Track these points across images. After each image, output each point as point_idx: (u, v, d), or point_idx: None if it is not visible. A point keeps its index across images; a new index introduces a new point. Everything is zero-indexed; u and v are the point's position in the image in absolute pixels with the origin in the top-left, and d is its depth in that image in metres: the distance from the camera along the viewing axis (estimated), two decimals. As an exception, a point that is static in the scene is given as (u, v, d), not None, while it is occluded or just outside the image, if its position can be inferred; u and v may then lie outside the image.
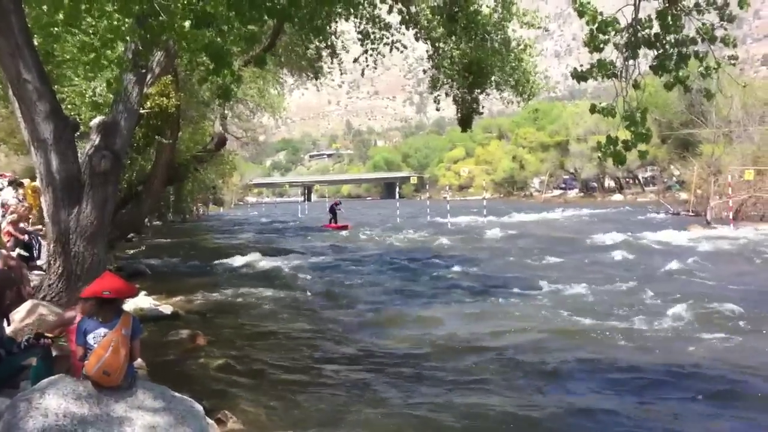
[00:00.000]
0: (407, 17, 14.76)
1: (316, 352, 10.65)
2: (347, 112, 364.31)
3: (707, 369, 9.16)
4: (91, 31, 9.74)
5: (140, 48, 8.60)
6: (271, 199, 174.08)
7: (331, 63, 18.27)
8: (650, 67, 6.41)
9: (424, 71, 16.69)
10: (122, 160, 10.18)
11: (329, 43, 16.35)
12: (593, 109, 6.63)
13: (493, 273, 19.24)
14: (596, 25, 6.24)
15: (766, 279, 16.68)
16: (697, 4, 6.25)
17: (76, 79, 13.43)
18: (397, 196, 65.64)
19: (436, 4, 14.52)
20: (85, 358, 5.07)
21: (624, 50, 6.46)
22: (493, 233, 32.91)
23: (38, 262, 13.31)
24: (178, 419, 5.13)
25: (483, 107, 16.30)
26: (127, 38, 8.71)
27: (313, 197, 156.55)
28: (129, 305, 12.14)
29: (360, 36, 15.40)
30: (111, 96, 11.20)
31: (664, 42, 6.32)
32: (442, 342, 11.13)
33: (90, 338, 5.10)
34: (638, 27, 6.44)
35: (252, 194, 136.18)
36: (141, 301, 13.09)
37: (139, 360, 6.45)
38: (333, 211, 40.60)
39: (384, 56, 15.92)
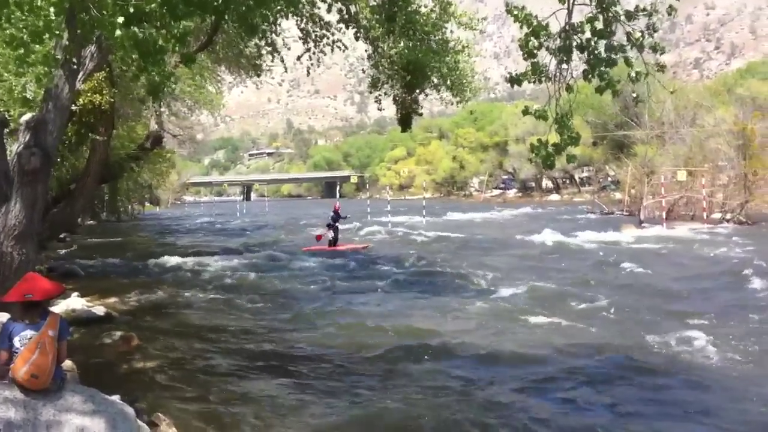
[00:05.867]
0: (347, 16, 14.75)
1: (252, 353, 10.56)
2: (288, 111, 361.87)
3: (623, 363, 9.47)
4: (21, 26, 9.46)
5: (70, 44, 8.38)
6: (209, 198, 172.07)
7: (272, 61, 18.05)
8: (582, 72, 6.54)
9: (364, 71, 16.66)
10: (53, 157, 9.89)
11: (269, 41, 16.18)
12: (526, 112, 6.75)
13: (430, 273, 19.43)
14: (531, 29, 6.35)
15: (672, 277, 17.43)
16: (627, 12, 6.41)
17: (5, 74, 13.00)
18: (337, 195, 65.45)
19: (375, 3, 14.54)
20: (11, 361, 4.93)
21: (557, 54, 6.57)
22: (432, 233, 33.19)
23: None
24: (109, 422, 5.03)
25: (422, 107, 16.34)
26: (57, 33, 8.49)
27: (253, 196, 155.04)
28: (61, 306, 11.89)
29: (301, 35, 15.31)
30: (41, 92, 10.88)
31: (595, 47, 6.47)
32: (377, 339, 11.17)
33: (16, 341, 4.95)
34: (572, 32, 6.57)
35: (190, 193, 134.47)
36: (73, 302, 12.82)
37: (69, 362, 6.31)
38: (335, 223, 26.77)
39: (325, 54, 15.86)
